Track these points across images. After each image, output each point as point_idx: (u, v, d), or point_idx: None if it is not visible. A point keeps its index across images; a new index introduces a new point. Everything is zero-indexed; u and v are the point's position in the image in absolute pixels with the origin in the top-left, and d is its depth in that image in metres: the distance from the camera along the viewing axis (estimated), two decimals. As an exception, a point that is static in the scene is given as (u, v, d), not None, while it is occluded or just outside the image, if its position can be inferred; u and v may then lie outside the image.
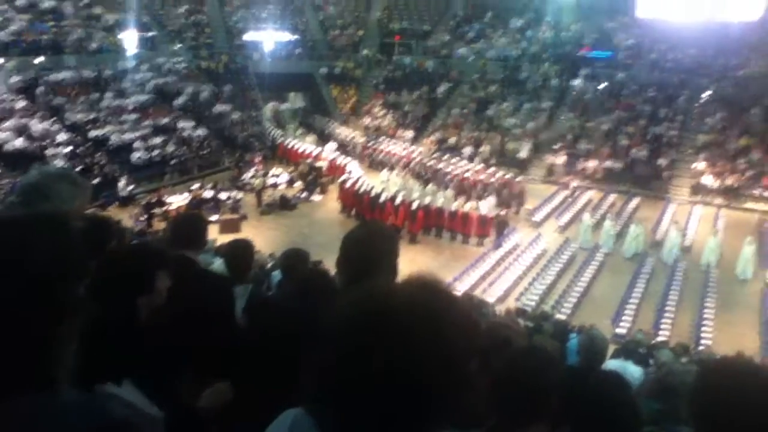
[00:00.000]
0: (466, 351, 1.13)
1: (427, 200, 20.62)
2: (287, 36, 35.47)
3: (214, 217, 19.58)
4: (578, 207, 23.10)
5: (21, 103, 23.87)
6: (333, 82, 35.94)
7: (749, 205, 23.28)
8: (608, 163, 26.09)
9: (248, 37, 34.88)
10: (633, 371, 6.63)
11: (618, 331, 13.72)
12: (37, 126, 22.52)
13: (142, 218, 19.32)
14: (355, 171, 24.07)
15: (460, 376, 1.11)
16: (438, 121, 31.45)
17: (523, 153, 27.68)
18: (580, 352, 4.90)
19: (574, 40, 33.86)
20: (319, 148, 27.65)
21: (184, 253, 3.41)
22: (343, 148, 29.01)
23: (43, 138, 22.16)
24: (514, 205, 22.60)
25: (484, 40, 35.73)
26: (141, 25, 31.67)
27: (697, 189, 24.40)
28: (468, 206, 20.42)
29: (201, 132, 26.79)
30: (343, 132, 31.23)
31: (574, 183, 25.08)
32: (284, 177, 24.50)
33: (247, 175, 24.14)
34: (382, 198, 20.40)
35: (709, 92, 28.24)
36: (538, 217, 22.04)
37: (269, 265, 10.05)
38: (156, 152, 24.27)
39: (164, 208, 19.93)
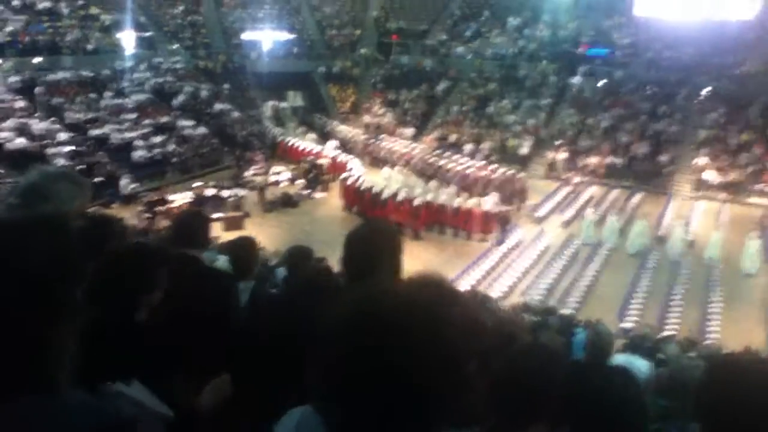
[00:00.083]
0: (466, 351, 1.11)
1: (429, 197, 20.60)
2: (284, 35, 35.48)
3: (217, 215, 19.61)
4: (581, 203, 23.09)
5: (20, 103, 23.92)
6: (331, 81, 35.99)
7: (752, 200, 23.24)
8: (610, 160, 26.09)
9: (245, 36, 34.89)
10: (640, 365, 6.59)
11: (623, 325, 13.71)
12: (37, 125, 22.56)
13: (145, 216, 19.33)
14: (356, 168, 24.08)
15: (460, 377, 1.09)
16: (438, 119, 31.48)
17: (524, 150, 27.68)
18: (587, 347, 4.89)
19: (571, 39, 33.84)
20: (320, 146, 27.66)
21: (187, 251, 3.39)
22: (344, 145, 29.02)
23: (43, 137, 22.20)
24: (517, 202, 22.59)
25: (481, 39, 35.72)
26: (138, 25, 31.67)
27: (699, 184, 24.38)
28: (471, 203, 20.42)
29: (201, 131, 26.83)
30: (344, 130, 31.23)
31: (577, 179, 25.06)
32: (286, 175, 24.51)
33: (249, 173, 24.14)
34: (384, 195, 20.38)
35: (708, 89, 28.21)
36: (541, 213, 22.04)
37: (273, 262, 10.03)
38: (157, 151, 24.30)
39: (167, 206, 19.94)
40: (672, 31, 30.31)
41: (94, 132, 23.91)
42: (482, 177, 23.36)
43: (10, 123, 22.13)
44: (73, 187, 2.51)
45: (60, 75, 26.31)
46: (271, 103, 33.53)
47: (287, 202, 22.56)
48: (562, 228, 21.01)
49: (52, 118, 23.59)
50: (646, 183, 25.11)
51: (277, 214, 21.78)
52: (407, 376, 1.03)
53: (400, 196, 20.08)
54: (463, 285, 15.14)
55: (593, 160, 26.19)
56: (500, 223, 19.76)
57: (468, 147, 28.06)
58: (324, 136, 30.46)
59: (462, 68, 34.29)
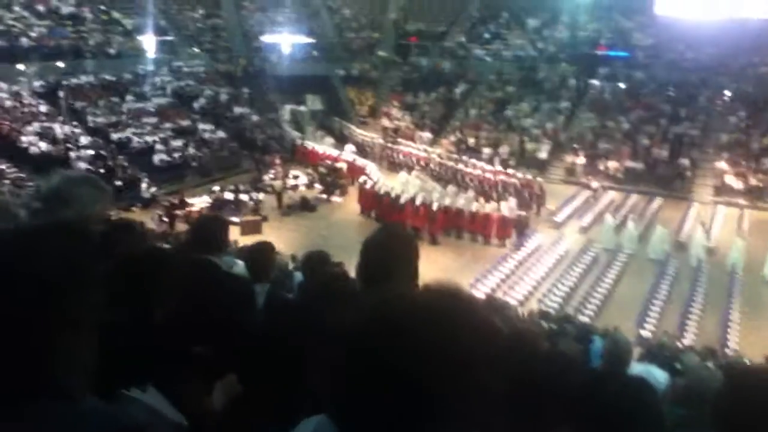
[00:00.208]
0: (483, 358, 1.11)
1: (447, 201, 20.55)
2: (303, 39, 35.64)
3: (235, 219, 19.72)
4: (600, 207, 22.89)
5: (43, 108, 24.30)
6: (350, 84, 36.01)
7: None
8: (629, 163, 25.85)
9: (265, 40, 35.09)
10: (658, 375, 6.51)
11: (642, 333, 13.56)
12: (60, 129, 22.89)
13: (164, 220, 19.49)
14: (374, 172, 24.09)
15: (478, 384, 1.09)
16: (456, 122, 31.40)
17: (543, 153, 27.53)
18: (604, 355, 4.84)
19: (590, 40, 33.62)
20: (338, 150, 27.72)
21: (205, 255, 3.42)
22: (362, 149, 29.05)
23: (66, 141, 22.51)
24: (535, 206, 22.47)
25: (499, 41, 35.60)
26: (159, 29, 32.04)
27: (721, 189, 24.07)
28: (488, 207, 20.34)
29: (220, 134, 27.04)
30: (362, 134, 31.28)
31: (596, 183, 24.87)
32: (303, 179, 24.60)
33: (267, 177, 24.26)
34: (402, 199, 20.36)
35: (729, 91, 27.87)
36: (559, 217, 21.89)
37: (290, 267, 10.07)
38: (177, 154, 24.52)
39: (186, 210, 20.08)
40: (693, 31, 30.01)
41: (116, 136, 24.20)
42: (500, 181, 23.27)
43: (33, 127, 22.48)
44: (95, 191, 2.54)
45: (83, 79, 26.71)
46: (289, 106, 33.69)
47: (305, 206, 22.62)
48: (580, 233, 20.85)
49: (75, 122, 23.91)
50: (666, 187, 24.82)
51: (294, 218, 21.84)
52: (422, 383, 1.03)
53: (418, 201, 20.05)
54: (481, 290, 15.08)
55: (612, 164, 25.97)
56: (518, 228, 19.65)
57: (486, 151, 27.97)
58: (342, 140, 30.52)
59: (480, 70, 34.19)
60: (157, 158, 23.91)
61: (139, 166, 23.01)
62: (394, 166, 27.66)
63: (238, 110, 29.62)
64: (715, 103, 28.17)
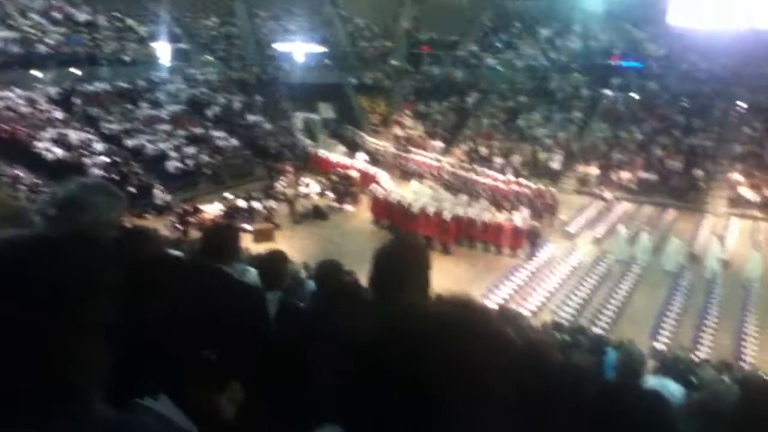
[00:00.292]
0: (497, 370, 1.11)
1: (459, 211, 20.52)
2: (316, 47, 35.83)
3: (247, 226, 19.80)
4: (613, 218, 22.77)
5: (58, 114, 24.55)
6: (362, 93, 36.10)
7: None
8: (643, 174, 25.71)
9: (278, 48, 35.31)
10: (673, 389, 6.46)
11: (656, 346, 13.45)
12: (74, 136, 23.10)
13: (177, 227, 19.59)
14: (385, 181, 24.11)
15: (491, 395, 1.08)
16: (468, 132, 31.40)
17: (555, 163, 27.44)
18: (618, 367, 4.80)
19: (603, 50, 33.56)
20: (350, 159, 27.78)
21: (216, 263, 3.42)
22: (374, 158, 29.10)
23: (80, 148, 22.71)
24: (547, 217, 22.38)
25: (512, 51, 35.61)
26: (173, 36, 32.34)
27: (735, 201, 23.88)
28: (501, 217, 20.29)
29: (233, 142, 27.18)
30: (374, 142, 31.34)
31: (609, 194, 24.75)
32: (315, 187, 24.66)
33: (280, 185, 24.34)
34: (414, 208, 20.35)
35: (744, 102, 27.70)
36: (572, 228, 21.78)
37: (302, 275, 10.08)
38: (190, 162, 24.67)
39: (199, 217, 20.19)
40: (706, 41, 29.87)
41: (129, 142, 24.39)
42: (512, 191, 23.21)
43: (48, 133, 22.71)
44: (110, 198, 2.56)
45: (97, 86, 26.98)
46: (302, 114, 33.84)
47: (317, 214, 22.66)
48: (593, 244, 20.74)
49: (89, 129, 24.14)
50: (679, 199, 24.65)
51: (306, 226, 21.88)
52: (435, 393, 1.03)
53: (430, 210, 20.03)
54: (493, 301, 15.03)
55: (626, 175, 25.85)
56: (530, 238, 19.58)
57: (498, 160, 27.93)
58: (354, 149, 30.59)
59: (493, 80, 34.21)
60: (170, 165, 24.07)
61: (152, 173, 23.17)
62: (405, 174, 27.67)
63: (251, 118, 29.79)
64: (729, 113, 28.00)
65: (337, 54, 37.30)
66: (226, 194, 22.27)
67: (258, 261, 5.27)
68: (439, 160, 27.73)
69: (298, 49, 34.84)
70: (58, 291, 1.08)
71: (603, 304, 16.03)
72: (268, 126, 29.87)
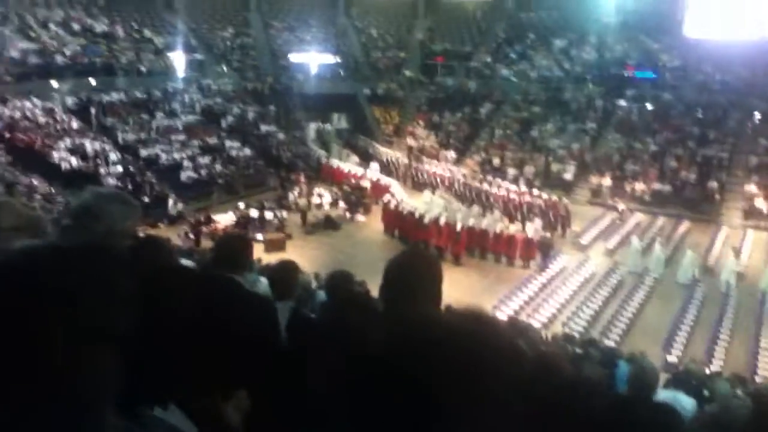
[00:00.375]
0: (509, 382, 1.11)
1: (471, 221, 20.48)
2: (331, 58, 36.01)
3: (259, 236, 19.88)
4: (627, 230, 22.62)
5: (75, 124, 24.82)
6: (376, 103, 36.20)
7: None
8: (656, 186, 25.56)
9: (293, 58, 35.52)
10: (685, 403, 6.39)
11: (669, 359, 13.32)
12: (90, 146, 23.33)
13: (190, 236, 19.69)
14: (398, 192, 24.12)
15: (503, 407, 1.08)
16: (481, 142, 31.37)
17: (568, 174, 27.34)
18: (630, 381, 4.76)
19: (618, 61, 33.48)
20: (363, 169, 27.84)
21: (228, 274, 3.44)
22: (387, 168, 29.14)
23: (96, 157, 22.92)
24: (560, 228, 22.28)
25: (526, 61, 35.60)
26: (189, 47, 32.67)
27: (750, 213, 23.66)
28: (513, 228, 20.22)
29: (247, 152, 27.34)
30: (387, 153, 31.39)
31: (622, 205, 24.62)
32: (328, 197, 24.72)
33: (292, 195, 24.43)
34: (426, 219, 20.33)
35: (759, 113, 27.50)
36: (585, 239, 21.66)
37: (314, 285, 10.09)
38: (204, 171, 24.83)
39: (212, 226, 20.29)
40: (722, 52, 29.72)
41: (144, 152, 24.59)
42: (525, 202, 23.14)
43: (65, 143, 22.95)
44: (125, 208, 2.58)
45: (114, 96, 27.27)
46: (315, 125, 34.00)
47: (329, 224, 22.70)
48: (606, 256, 20.61)
49: (105, 139, 24.38)
50: (693, 210, 24.45)
51: (318, 236, 21.91)
52: (446, 405, 1.03)
53: (442, 221, 20.00)
54: (504, 312, 14.96)
55: (639, 186, 25.70)
56: (542, 249, 19.48)
57: (511, 171, 27.87)
58: (367, 159, 30.66)
59: (506, 90, 34.19)
60: (184, 175, 24.23)
61: (166, 183, 23.33)
62: (418, 185, 27.68)
63: (264, 128, 29.98)
64: (744, 125, 27.79)
65: (351, 64, 37.48)
66: (239, 204, 22.39)
67: (269, 271, 5.28)
68: (451, 171, 27.71)
69: (312, 60, 35.06)
70: (71, 301, 1.09)
71: (615, 317, 15.90)
72: (281, 136, 30.05)
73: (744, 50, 28.98)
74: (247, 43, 36.61)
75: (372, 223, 23.33)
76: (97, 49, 29.27)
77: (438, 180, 27.04)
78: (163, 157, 24.73)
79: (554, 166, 27.95)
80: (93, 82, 27.53)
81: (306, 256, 17.94)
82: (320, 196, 24.58)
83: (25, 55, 26.51)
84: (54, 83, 26.30)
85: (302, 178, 26.37)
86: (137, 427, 1.29)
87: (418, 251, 2.90)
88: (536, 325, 14.45)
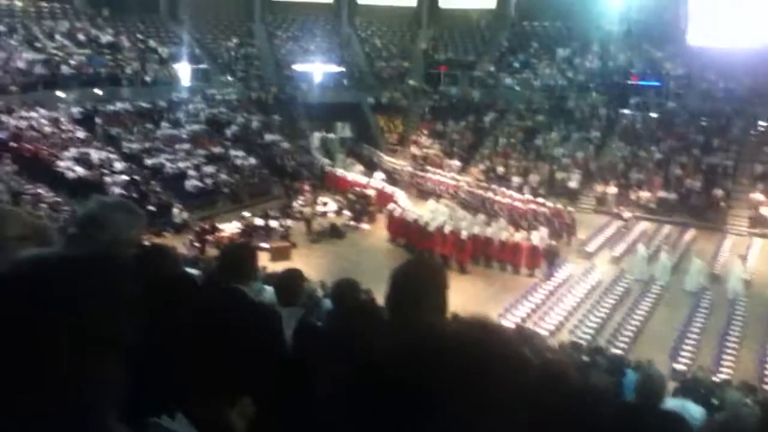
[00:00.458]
0: (515, 390, 1.10)
1: (476, 229, 20.45)
2: (334, 67, 36.12)
3: (264, 245, 19.89)
4: (632, 238, 22.58)
5: (80, 133, 24.94)
6: (380, 112, 36.24)
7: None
8: (662, 194, 25.51)
9: (297, 68, 35.65)
10: (693, 411, 6.35)
11: (676, 367, 13.24)
12: (95, 155, 23.42)
13: (195, 245, 19.72)
14: (402, 200, 24.12)
15: (509, 416, 1.07)
16: (485, 151, 31.37)
17: (573, 182, 27.31)
18: (637, 389, 4.74)
19: (622, 70, 33.49)
20: (367, 177, 27.86)
21: (232, 283, 3.44)
22: (391, 177, 29.16)
23: (101, 166, 23.01)
24: (565, 236, 22.24)
25: (529, 70, 35.64)
26: (193, 57, 32.83)
27: (755, 220, 23.58)
28: (518, 236, 20.19)
29: (251, 161, 27.40)
30: (391, 161, 31.42)
31: (628, 213, 24.57)
32: (332, 205, 24.74)
33: (297, 204, 24.45)
34: (431, 227, 20.32)
35: (764, 121, 27.44)
36: (590, 247, 21.62)
37: (319, 294, 10.09)
38: (209, 180, 24.89)
39: (216, 235, 20.31)
40: (726, 60, 29.70)
41: (149, 161, 24.67)
42: (530, 210, 23.11)
43: (70, 152, 23.05)
44: (130, 216, 2.58)
45: (119, 106, 27.40)
46: (319, 134, 34.07)
47: (334, 232, 22.70)
48: (612, 264, 20.56)
49: (110, 148, 24.48)
50: (699, 218, 24.40)
51: (323, 245, 21.91)
52: (452, 413, 1.02)
53: (447, 229, 19.98)
54: (510, 321, 14.91)
55: (644, 194, 25.66)
56: (548, 257, 19.44)
57: (515, 179, 27.86)
58: (371, 167, 30.68)
59: (510, 99, 34.23)
60: (189, 184, 24.29)
61: (171, 192, 23.38)
62: (422, 193, 27.68)
63: (269, 137, 30.05)
64: (749, 133, 27.75)
65: (355, 74, 37.57)
66: (244, 213, 22.42)
67: (274, 279, 5.28)
68: (456, 180, 27.71)
69: (316, 70, 35.15)
70: (77, 309, 1.09)
71: (622, 324, 15.84)
72: (286, 145, 30.11)
73: (748, 58, 28.96)
74: (251, 53, 36.75)
75: (377, 232, 23.33)
76: (102, 59, 29.43)
77: (442, 188, 27.04)
78: (168, 166, 24.80)
79: (559, 175, 27.93)
80: (98, 92, 27.66)
81: (311, 265, 17.93)
82: (325, 204, 24.59)
83: (31, 65, 26.67)
84: (60, 93, 26.45)
85: (307, 187, 26.40)
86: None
87: (424, 260, 2.89)
88: (542, 333, 14.39)
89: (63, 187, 21.59)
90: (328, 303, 6.06)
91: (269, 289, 5.21)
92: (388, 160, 31.67)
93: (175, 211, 22.04)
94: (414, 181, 28.76)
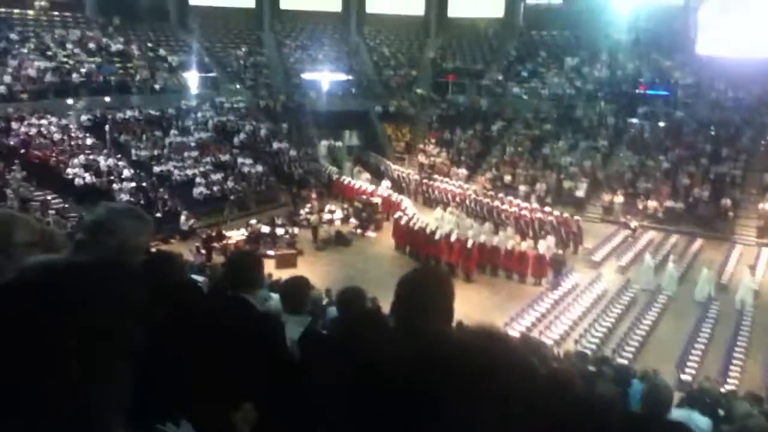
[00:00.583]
0: (521, 399, 1.10)
1: (482, 238, 20.42)
2: (342, 76, 36.24)
3: (270, 252, 19.93)
4: (639, 247, 22.49)
5: (90, 141, 25.09)
6: (387, 121, 36.33)
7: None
8: (669, 203, 25.42)
9: (305, 77, 35.79)
10: (700, 422, 6.30)
11: (683, 377, 13.16)
12: (104, 162, 23.56)
13: (201, 252, 19.77)
14: (409, 208, 24.13)
15: (516, 424, 1.08)
16: (492, 159, 31.37)
17: (580, 191, 27.24)
18: (643, 399, 4.71)
19: (630, 79, 33.46)
20: (374, 185, 27.88)
21: (240, 293, 3.45)
22: (398, 185, 29.17)
23: (109, 173, 23.13)
24: (572, 245, 22.18)
25: (537, 79, 35.66)
26: (203, 66, 33.02)
27: (765, 230, 23.44)
28: (525, 245, 20.14)
29: (259, 168, 27.49)
30: (398, 169, 31.45)
31: (635, 223, 24.48)
32: (339, 213, 24.76)
33: (304, 211, 24.50)
34: (437, 235, 20.30)
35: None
36: (597, 256, 21.54)
37: (325, 301, 10.08)
38: (216, 188, 24.97)
39: (223, 242, 20.36)
40: (734, 69, 29.61)
41: (158, 169, 24.79)
42: (537, 219, 23.07)
43: (79, 159, 23.18)
44: (138, 223, 2.59)
45: (128, 113, 27.56)
46: (326, 142, 34.17)
47: (340, 240, 22.72)
48: (619, 273, 20.47)
49: (119, 155, 24.62)
50: (707, 228, 24.28)
51: (329, 252, 21.93)
52: (459, 421, 1.03)
53: (453, 237, 19.96)
54: (516, 329, 14.86)
55: (652, 204, 25.57)
56: (554, 266, 19.38)
57: (522, 188, 27.82)
58: (378, 176, 30.71)
59: (517, 108, 34.24)
60: (197, 191, 24.38)
61: (179, 199, 23.47)
62: (429, 202, 27.70)
63: (276, 145, 30.16)
64: (757, 142, 27.65)
65: (363, 82, 37.69)
66: (251, 220, 22.48)
67: (280, 287, 5.28)
68: (463, 188, 27.70)
69: (325, 78, 35.28)
70: (85, 315, 1.10)
71: (628, 334, 15.75)
72: (293, 153, 30.21)
73: (757, 67, 28.89)
74: (260, 62, 36.94)
75: (383, 240, 23.32)
76: (112, 67, 29.63)
77: (449, 197, 27.04)
78: (176, 173, 24.90)
79: (566, 184, 27.87)
80: (108, 99, 27.84)
81: (317, 272, 17.94)
82: (331, 212, 24.61)
83: (42, 73, 26.89)
84: (69, 101, 26.63)
85: (314, 195, 26.45)
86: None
87: (430, 268, 2.89)
88: (548, 342, 14.35)
89: (71, 194, 21.72)
90: (333, 311, 6.05)
91: (275, 297, 5.21)
92: (395, 168, 31.70)
93: (183, 218, 22.12)
94: (421, 190, 28.77)
